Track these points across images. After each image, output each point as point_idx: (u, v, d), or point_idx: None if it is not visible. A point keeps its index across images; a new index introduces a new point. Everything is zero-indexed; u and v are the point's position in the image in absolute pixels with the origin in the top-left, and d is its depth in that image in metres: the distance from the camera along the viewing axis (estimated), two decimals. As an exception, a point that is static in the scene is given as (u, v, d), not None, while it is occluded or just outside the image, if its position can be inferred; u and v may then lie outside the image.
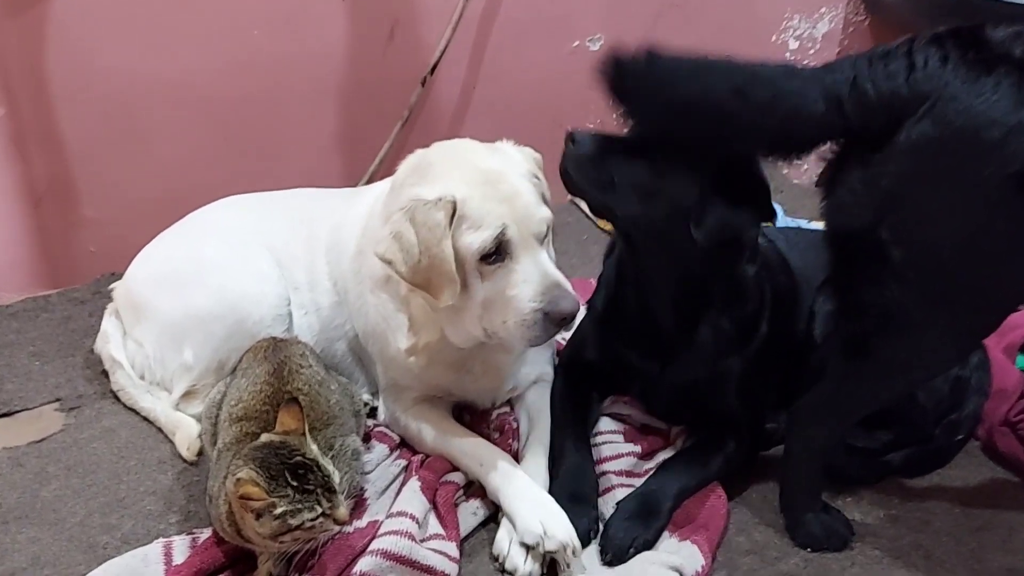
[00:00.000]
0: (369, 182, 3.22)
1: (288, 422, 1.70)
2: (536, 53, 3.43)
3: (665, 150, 1.82)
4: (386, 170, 3.22)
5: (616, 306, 2.11)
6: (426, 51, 3.23)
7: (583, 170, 1.89)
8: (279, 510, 1.58)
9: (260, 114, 3.10)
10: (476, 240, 1.80)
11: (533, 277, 1.81)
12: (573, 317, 1.83)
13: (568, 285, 1.84)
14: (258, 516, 1.59)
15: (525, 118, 3.44)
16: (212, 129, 3.05)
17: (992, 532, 1.94)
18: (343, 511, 1.64)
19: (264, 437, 1.70)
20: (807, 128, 1.63)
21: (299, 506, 1.59)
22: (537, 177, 1.97)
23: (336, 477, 1.66)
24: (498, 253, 1.82)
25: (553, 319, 1.80)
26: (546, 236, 1.90)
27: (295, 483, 1.60)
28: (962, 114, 1.50)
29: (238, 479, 1.59)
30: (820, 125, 1.62)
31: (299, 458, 1.63)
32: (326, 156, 3.27)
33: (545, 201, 1.94)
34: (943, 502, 2.03)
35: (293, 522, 1.59)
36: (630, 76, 1.70)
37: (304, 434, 1.69)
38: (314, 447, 1.69)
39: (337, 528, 1.67)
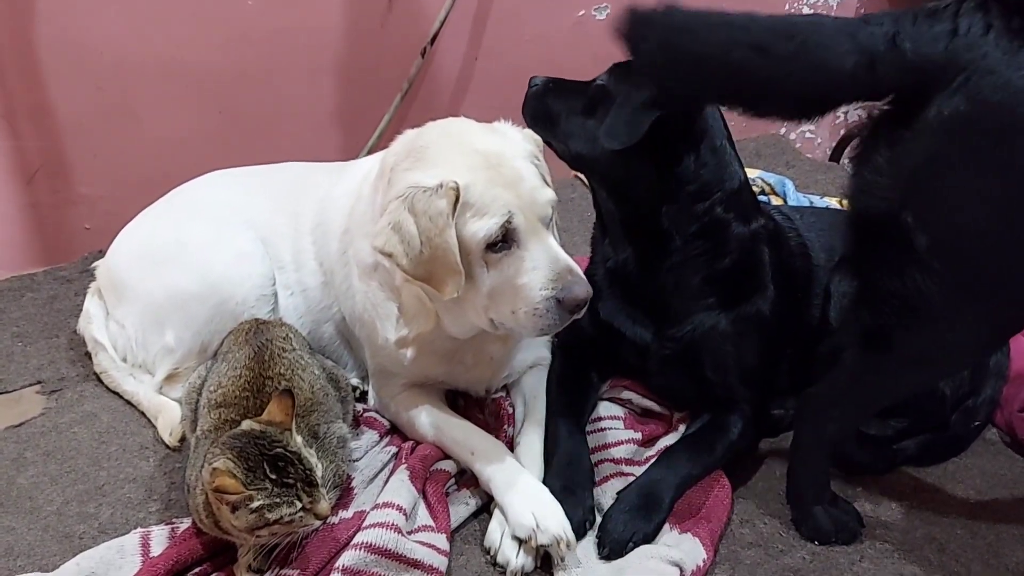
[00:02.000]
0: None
1: (276, 413, 1.61)
2: (540, 22, 3.35)
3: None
4: (385, 144, 3.12)
5: (602, 271, 2.06)
6: (426, 21, 3.16)
7: (532, 108, 2.02)
8: (256, 503, 1.51)
9: (256, 88, 3.05)
10: (482, 228, 1.69)
11: (543, 264, 1.72)
12: (586, 303, 1.74)
13: (579, 269, 1.75)
14: (234, 509, 1.52)
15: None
16: (207, 104, 3.01)
17: (1010, 524, 1.85)
18: (324, 506, 1.57)
19: (245, 424, 1.62)
20: (831, 84, 1.50)
21: (277, 500, 1.52)
22: (538, 159, 1.87)
23: (319, 471, 1.58)
24: (504, 241, 1.72)
25: (566, 306, 1.71)
26: (551, 219, 1.81)
27: (274, 476, 1.53)
28: (1000, 89, 1.36)
29: (214, 469, 1.52)
30: (845, 82, 1.48)
31: (280, 450, 1.55)
32: (324, 130, 3.22)
33: (547, 183, 1.84)
34: (958, 492, 1.93)
35: (271, 516, 1.52)
36: (646, 26, 1.60)
37: (290, 428, 1.61)
38: (298, 439, 1.61)
39: (318, 523, 1.59)
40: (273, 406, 1.62)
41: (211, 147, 2.96)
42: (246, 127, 3.07)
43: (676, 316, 1.95)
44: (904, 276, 1.53)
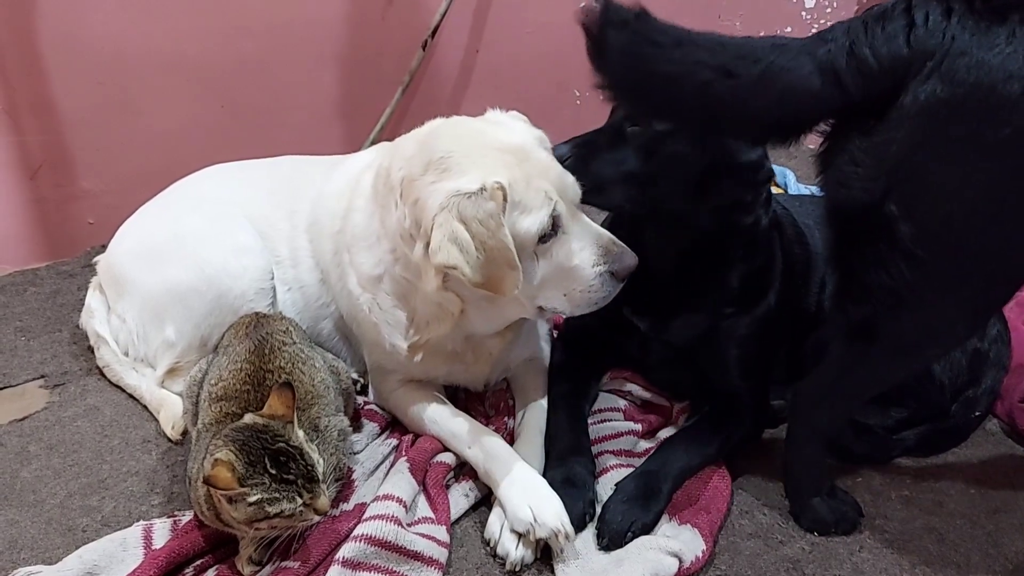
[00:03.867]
0: None
1: (277, 406, 1.62)
2: (541, 14, 3.33)
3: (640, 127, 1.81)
4: (387, 136, 3.18)
5: None
6: (427, 13, 3.15)
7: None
8: (254, 497, 1.51)
9: (257, 81, 3.04)
10: (534, 223, 1.70)
11: (589, 242, 1.78)
12: (634, 269, 1.80)
13: (616, 240, 1.80)
14: (230, 500, 1.53)
15: (530, 81, 3.36)
16: (208, 97, 3.00)
17: (1009, 514, 1.85)
18: (324, 502, 1.57)
19: (248, 418, 1.63)
20: (804, 106, 1.50)
21: (277, 495, 1.53)
22: (546, 143, 1.87)
23: (320, 467, 1.59)
24: (552, 229, 1.73)
25: (619, 275, 1.79)
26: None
27: (274, 471, 1.53)
28: (974, 69, 1.36)
29: (215, 460, 1.52)
30: (818, 101, 1.48)
31: (282, 444, 1.56)
32: (325, 123, 3.21)
33: None
34: (958, 482, 1.93)
35: (271, 510, 1.53)
36: (617, 29, 1.55)
37: (292, 421, 1.62)
38: (300, 433, 1.61)
39: (318, 518, 1.60)
40: (274, 399, 1.62)
41: (212, 140, 2.97)
42: (247, 120, 3.06)
43: (697, 314, 1.95)
44: (887, 266, 1.52)
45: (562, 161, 1.84)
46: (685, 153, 1.80)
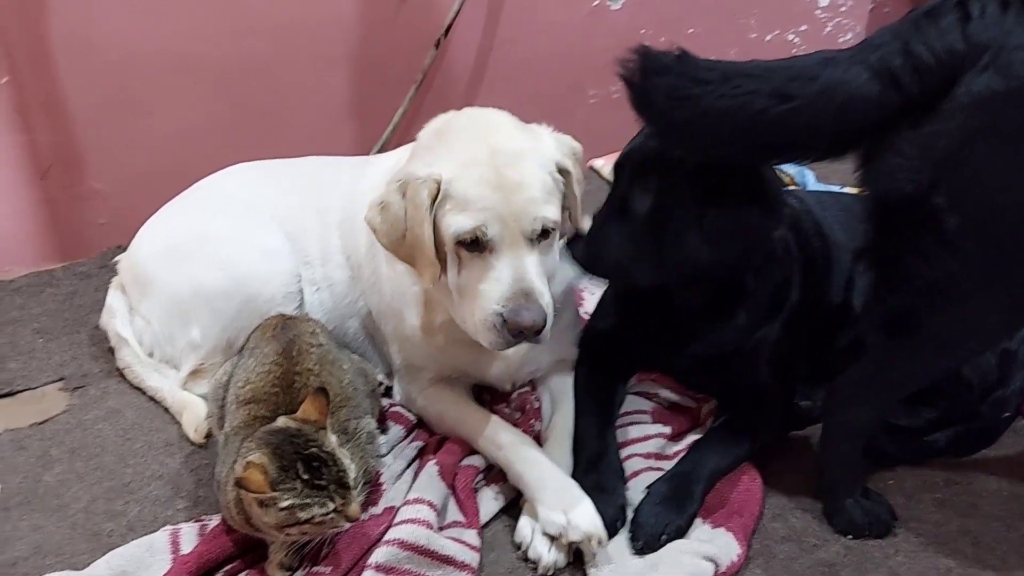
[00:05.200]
0: (383, 150, 3.16)
1: (311, 411, 1.60)
2: (554, 13, 3.31)
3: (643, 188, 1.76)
4: (399, 137, 3.17)
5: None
6: (440, 11, 3.12)
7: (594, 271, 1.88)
8: (285, 502, 1.50)
9: (268, 80, 3.01)
10: (454, 224, 1.69)
11: (505, 279, 1.68)
12: (538, 331, 1.68)
13: (541, 297, 1.69)
14: (261, 504, 1.51)
15: (543, 81, 3.35)
16: (219, 97, 2.97)
17: (1045, 516, 1.84)
18: (355, 508, 1.55)
19: (281, 421, 1.61)
20: (865, 114, 1.48)
21: (308, 501, 1.51)
22: (563, 171, 1.80)
23: (352, 472, 1.57)
24: (477, 243, 1.70)
25: (511, 328, 1.67)
26: (545, 238, 1.74)
27: (306, 476, 1.51)
28: None
29: (248, 462, 1.51)
30: (879, 107, 1.47)
31: (315, 449, 1.54)
32: (337, 123, 3.18)
33: (556, 199, 1.77)
34: (991, 484, 1.91)
35: (302, 515, 1.51)
36: (660, 75, 1.55)
37: (325, 427, 1.60)
38: (333, 438, 1.59)
39: (348, 525, 1.58)
40: (308, 404, 1.60)
41: (223, 140, 2.94)
42: (258, 120, 3.03)
43: (722, 333, 1.92)
44: (931, 259, 1.51)
45: (574, 256, 1.85)
46: (689, 222, 1.73)
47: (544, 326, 1.69)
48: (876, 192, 1.58)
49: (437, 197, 1.70)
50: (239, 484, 1.50)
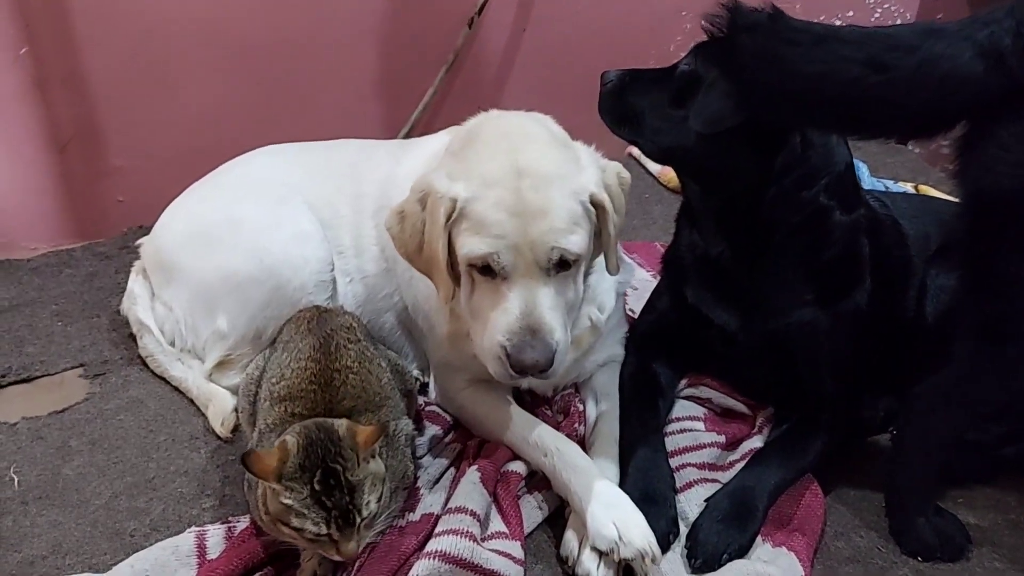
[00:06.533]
0: (412, 131, 3.11)
1: (362, 434, 1.49)
2: (590, -8, 3.19)
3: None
4: (429, 117, 3.13)
5: (690, 257, 1.93)
6: (472, -9, 3.02)
7: (611, 107, 1.87)
8: (285, 500, 1.42)
9: (296, 57, 2.94)
10: (467, 246, 1.62)
11: (513, 310, 1.60)
12: (541, 370, 1.60)
13: (550, 334, 1.60)
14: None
15: (578, 62, 3.25)
16: (245, 73, 2.90)
17: None
18: (351, 548, 1.45)
19: (337, 423, 1.50)
20: (965, 94, 1.39)
21: (305, 512, 1.42)
22: (595, 204, 1.69)
23: (366, 513, 1.46)
24: (486, 268, 1.62)
25: (513, 363, 1.59)
26: (565, 269, 1.65)
27: (317, 487, 1.42)
28: None
29: (283, 440, 1.45)
30: (980, 87, 1.37)
31: (338, 467, 1.44)
32: (366, 103, 3.12)
33: (583, 228, 1.66)
34: (1068, 504, 1.81)
35: (294, 522, 1.43)
36: (749, 32, 1.46)
37: (362, 457, 1.48)
38: (370, 468, 1.48)
39: (338, 558, 1.48)
40: (367, 430, 1.50)
41: (248, 119, 2.88)
42: (285, 99, 2.96)
43: (771, 308, 1.83)
44: None
45: (604, 84, 1.85)
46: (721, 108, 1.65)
47: (549, 366, 1.60)
48: (972, 186, 1.48)
49: (453, 214, 1.63)
50: (244, 457, 1.42)
